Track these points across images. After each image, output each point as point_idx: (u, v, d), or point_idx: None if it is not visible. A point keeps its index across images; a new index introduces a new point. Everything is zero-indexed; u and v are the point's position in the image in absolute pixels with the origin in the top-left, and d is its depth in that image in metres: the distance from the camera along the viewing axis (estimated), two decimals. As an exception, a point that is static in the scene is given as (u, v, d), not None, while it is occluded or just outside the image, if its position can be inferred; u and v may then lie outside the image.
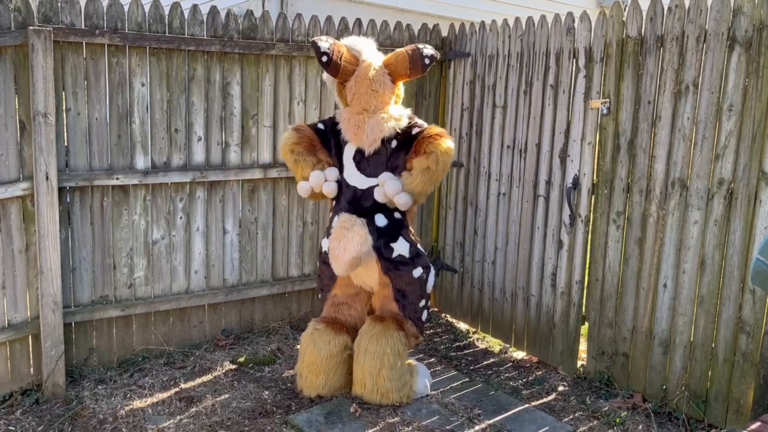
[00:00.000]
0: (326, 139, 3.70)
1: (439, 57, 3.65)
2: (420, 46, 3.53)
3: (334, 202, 3.74)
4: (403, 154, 3.56)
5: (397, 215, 3.58)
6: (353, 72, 3.53)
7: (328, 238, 3.59)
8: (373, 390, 3.52)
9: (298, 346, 4.10)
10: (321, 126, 3.73)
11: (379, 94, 3.50)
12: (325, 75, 3.78)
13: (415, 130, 3.55)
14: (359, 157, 3.60)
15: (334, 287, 3.77)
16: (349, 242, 3.28)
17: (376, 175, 3.57)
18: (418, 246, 3.66)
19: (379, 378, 3.50)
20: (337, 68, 3.46)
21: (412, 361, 3.80)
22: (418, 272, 3.57)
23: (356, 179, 3.60)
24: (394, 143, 3.57)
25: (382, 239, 3.49)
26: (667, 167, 3.46)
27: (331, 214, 3.76)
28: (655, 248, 3.55)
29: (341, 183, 3.66)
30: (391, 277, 3.55)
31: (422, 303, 3.66)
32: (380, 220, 3.52)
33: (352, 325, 3.75)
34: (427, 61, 3.50)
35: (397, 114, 3.55)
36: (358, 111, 3.52)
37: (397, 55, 3.54)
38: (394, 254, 3.50)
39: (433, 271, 3.70)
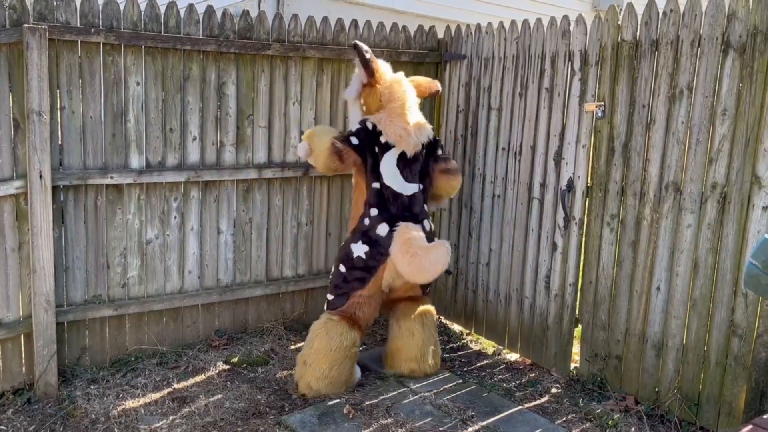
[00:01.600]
0: (362, 150, 3.81)
1: (440, 91, 4.32)
2: (439, 85, 4.18)
3: (367, 207, 3.80)
4: (431, 161, 4.00)
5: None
6: (382, 78, 3.87)
7: (362, 243, 3.71)
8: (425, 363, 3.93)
9: (296, 346, 4.11)
10: (355, 141, 3.82)
11: (414, 97, 3.94)
12: (350, 88, 4.01)
13: (439, 150, 4.08)
14: (402, 163, 3.82)
15: (362, 288, 3.74)
16: (441, 255, 3.58)
17: (414, 181, 3.85)
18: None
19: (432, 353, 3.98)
20: (376, 69, 3.85)
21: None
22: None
23: (400, 185, 3.80)
24: (424, 151, 3.94)
25: (429, 241, 3.74)
26: (661, 171, 3.48)
27: (366, 220, 3.77)
28: (649, 251, 3.56)
29: (381, 189, 3.78)
30: None
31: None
32: (428, 224, 3.88)
33: (365, 323, 3.82)
34: (436, 92, 4.22)
35: (429, 124, 3.98)
36: (399, 112, 3.78)
37: (421, 79, 4.14)
38: None
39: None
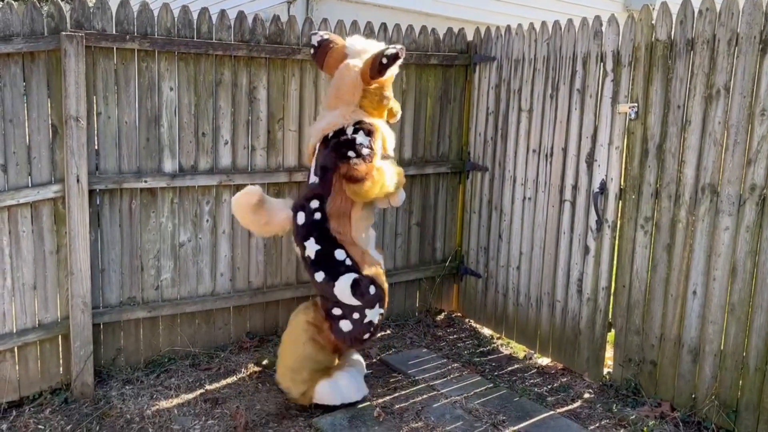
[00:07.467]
0: None
1: (402, 56, 3.40)
2: (388, 47, 3.43)
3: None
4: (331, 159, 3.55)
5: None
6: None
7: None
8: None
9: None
10: None
11: (339, 90, 3.56)
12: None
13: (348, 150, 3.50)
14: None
15: None
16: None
17: (316, 174, 3.64)
18: (334, 252, 3.43)
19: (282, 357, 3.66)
20: (321, 60, 3.71)
21: (341, 364, 3.69)
22: (319, 276, 3.44)
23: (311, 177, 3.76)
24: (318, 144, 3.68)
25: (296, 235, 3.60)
26: (697, 172, 3.41)
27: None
28: (684, 255, 3.50)
29: None
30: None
31: (336, 311, 3.46)
32: (300, 217, 3.56)
33: None
34: (384, 60, 3.35)
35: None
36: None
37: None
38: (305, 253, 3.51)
39: (345, 282, 3.34)
